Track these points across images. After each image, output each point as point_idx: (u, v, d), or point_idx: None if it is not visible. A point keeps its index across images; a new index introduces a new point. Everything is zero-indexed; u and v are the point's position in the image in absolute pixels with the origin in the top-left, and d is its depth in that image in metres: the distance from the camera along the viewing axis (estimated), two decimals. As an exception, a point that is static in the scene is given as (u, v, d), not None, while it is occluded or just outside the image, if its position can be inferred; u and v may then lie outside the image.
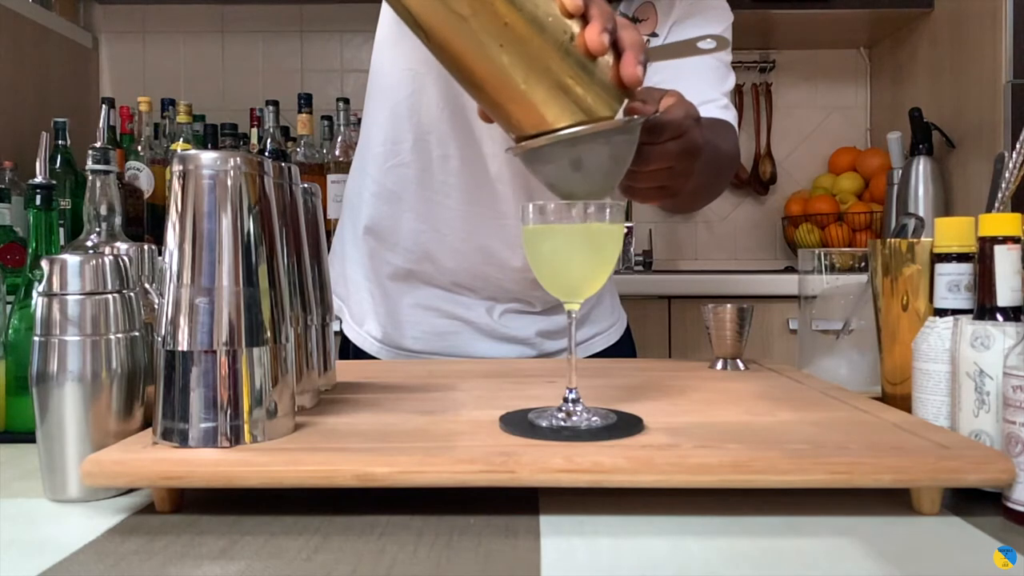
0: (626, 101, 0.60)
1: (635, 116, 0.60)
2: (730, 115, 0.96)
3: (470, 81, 0.60)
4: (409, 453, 0.52)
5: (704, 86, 0.94)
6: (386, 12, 0.98)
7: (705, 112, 0.81)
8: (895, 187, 2.09)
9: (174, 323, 0.53)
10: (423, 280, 1.02)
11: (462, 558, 0.45)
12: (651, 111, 0.64)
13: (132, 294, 0.58)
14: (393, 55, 0.97)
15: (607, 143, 0.60)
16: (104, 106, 0.84)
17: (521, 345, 1.05)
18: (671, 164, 0.67)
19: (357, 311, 1.07)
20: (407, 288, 1.03)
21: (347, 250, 1.08)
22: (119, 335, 0.56)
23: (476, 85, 0.60)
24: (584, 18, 0.58)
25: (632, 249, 2.33)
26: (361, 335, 1.06)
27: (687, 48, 0.68)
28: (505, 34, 0.56)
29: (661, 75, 0.93)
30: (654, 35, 0.99)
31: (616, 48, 0.59)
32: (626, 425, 0.58)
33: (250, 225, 0.55)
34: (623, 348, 1.14)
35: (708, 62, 0.96)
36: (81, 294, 0.55)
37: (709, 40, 0.67)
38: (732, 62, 1.02)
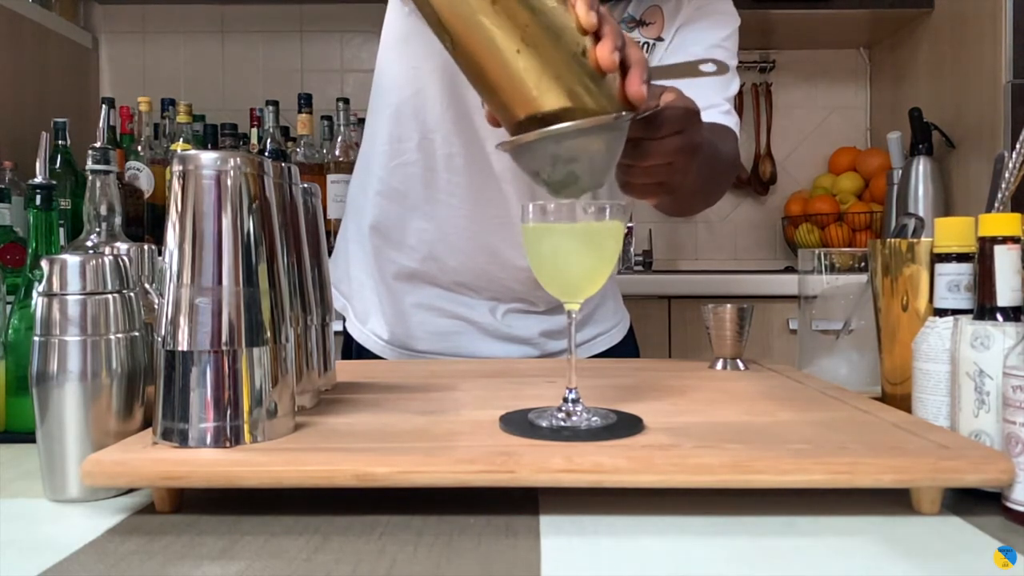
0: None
1: (623, 112, 0.61)
2: (732, 121, 0.97)
3: (484, 84, 0.61)
4: (409, 453, 0.52)
5: (707, 91, 0.94)
6: (393, 11, 0.98)
7: (707, 117, 0.82)
8: (895, 187, 2.09)
9: (174, 323, 0.53)
10: (427, 280, 1.02)
11: (462, 558, 0.45)
12: (652, 106, 0.64)
13: (132, 294, 0.58)
14: (398, 54, 0.97)
15: (595, 139, 0.61)
16: (104, 106, 0.84)
17: (524, 345, 1.05)
18: (670, 160, 0.67)
19: (361, 309, 1.07)
20: (410, 287, 1.03)
21: (351, 248, 1.08)
22: (119, 335, 0.56)
23: (490, 88, 0.61)
24: (596, 34, 0.60)
25: (632, 249, 2.33)
26: (365, 334, 1.06)
27: (689, 70, 0.70)
28: (523, 40, 0.58)
29: None
30: (660, 39, 0.99)
31: (622, 65, 0.61)
32: (626, 425, 0.58)
33: (250, 225, 0.55)
34: (626, 348, 1.14)
35: None
36: (81, 294, 0.55)
37: (710, 64, 0.68)
38: (732, 63, 1.02)
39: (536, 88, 0.59)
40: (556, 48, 0.59)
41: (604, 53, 0.59)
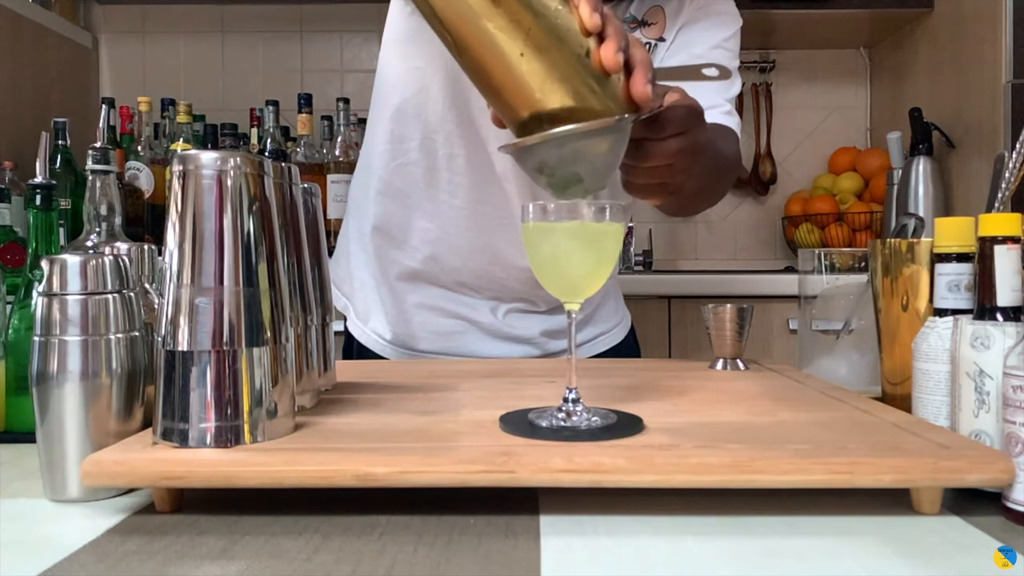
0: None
1: (625, 114, 0.61)
2: (733, 121, 0.97)
3: (488, 86, 0.61)
4: (409, 453, 0.52)
5: (709, 92, 0.94)
6: (395, 10, 0.98)
7: (709, 118, 0.81)
8: (895, 187, 2.09)
9: (174, 323, 0.53)
10: (428, 280, 1.02)
11: (462, 558, 0.45)
12: (655, 106, 0.64)
13: (132, 294, 0.58)
14: (401, 53, 0.97)
15: (598, 141, 0.61)
16: (104, 106, 0.84)
17: (526, 345, 1.05)
18: (672, 161, 0.67)
19: (362, 309, 1.07)
20: (412, 287, 1.03)
21: (352, 248, 1.08)
22: (119, 335, 0.56)
23: (494, 91, 0.61)
24: (599, 35, 0.60)
25: (632, 249, 2.33)
26: (366, 333, 1.06)
27: (691, 73, 0.70)
28: (527, 43, 0.58)
29: None
30: (661, 39, 0.99)
31: (626, 66, 0.61)
32: (626, 425, 0.58)
33: (250, 225, 0.55)
34: (627, 348, 1.14)
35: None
36: (81, 294, 0.55)
37: (713, 69, 0.69)
38: (733, 64, 1.02)
39: (540, 91, 0.59)
40: (560, 50, 0.59)
41: (608, 54, 0.59)
